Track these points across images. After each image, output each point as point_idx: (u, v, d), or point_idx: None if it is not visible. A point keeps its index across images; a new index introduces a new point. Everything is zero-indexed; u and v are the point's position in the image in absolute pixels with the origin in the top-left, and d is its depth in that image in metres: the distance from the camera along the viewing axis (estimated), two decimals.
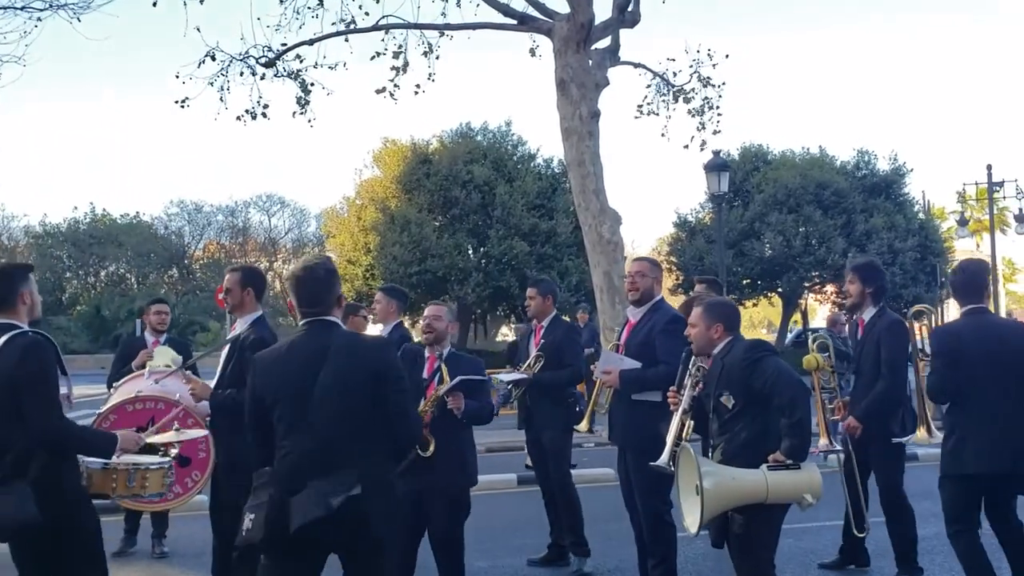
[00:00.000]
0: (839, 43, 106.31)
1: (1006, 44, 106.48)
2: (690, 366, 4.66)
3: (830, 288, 30.33)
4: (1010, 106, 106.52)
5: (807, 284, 30.23)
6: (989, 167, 31.43)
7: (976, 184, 34.02)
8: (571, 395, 6.53)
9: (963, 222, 35.58)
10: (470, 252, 24.73)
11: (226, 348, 5.26)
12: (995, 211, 32.64)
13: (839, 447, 5.66)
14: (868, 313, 5.98)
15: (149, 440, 4.12)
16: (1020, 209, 32.36)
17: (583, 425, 5.92)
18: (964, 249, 47.79)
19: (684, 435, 4.57)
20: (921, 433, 5.68)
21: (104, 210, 56.87)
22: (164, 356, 6.68)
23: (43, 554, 3.68)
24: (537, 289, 6.76)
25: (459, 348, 5.85)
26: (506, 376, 7.14)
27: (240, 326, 5.29)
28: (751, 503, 4.19)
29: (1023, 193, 32.07)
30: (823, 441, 5.62)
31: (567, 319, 6.73)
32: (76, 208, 56.40)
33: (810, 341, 6.13)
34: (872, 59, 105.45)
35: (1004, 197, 32.09)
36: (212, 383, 5.23)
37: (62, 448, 3.72)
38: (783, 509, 4.38)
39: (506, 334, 26.43)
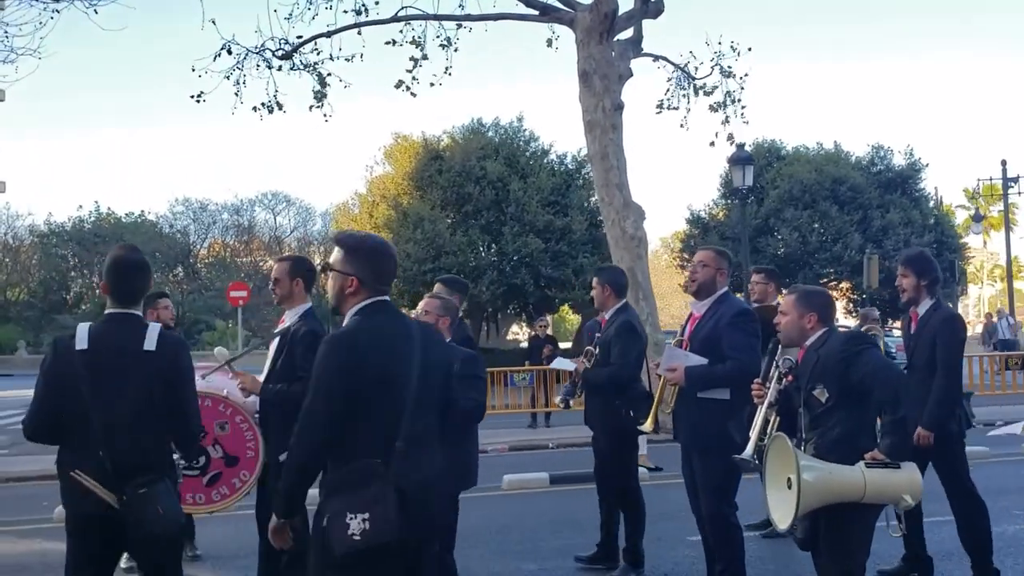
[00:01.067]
0: (853, 38, 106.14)
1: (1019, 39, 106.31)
2: (776, 357, 4.42)
3: (846, 284, 30.03)
4: (1020, 105, 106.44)
5: (823, 280, 29.94)
6: (1004, 162, 31.31)
7: (991, 180, 33.82)
8: (617, 399, 6.09)
9: (978, 218, 35.37)
10: (483, 250, 24.46)
11: (275, 342, 5.02)
12: (1001, 211, 32.46)
13: None
14: (923, 307, 5.69)
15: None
16: None
17: (648, 424, 5.61)
18: (974, 246, 47.61)
19: (770, 430, 4.35)
20: None
21: (109, 209, 56.78)
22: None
23: (160, 559, 3.58)
24: (598, 278, 6.39)
25: (470, 347, 5.50)
26: (557, 363, 6.91)
27: (290, 318, 5.05)
28: (846, 501, 3.95)
29: None
30: None
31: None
32: (81, 207, 56.13)
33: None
34: (887, 54, 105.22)
35: (1020, 193, 31.86)
36: (261, 377, 4.99)
37: (195, 447, 3.77)
38: (877, 510, 4.14)
39: (516, 333, 26.16)
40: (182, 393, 3.53)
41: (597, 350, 6.14)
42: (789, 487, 3.94)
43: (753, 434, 4.38)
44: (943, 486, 5.66)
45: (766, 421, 4.36)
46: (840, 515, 4.01)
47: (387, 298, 3.27)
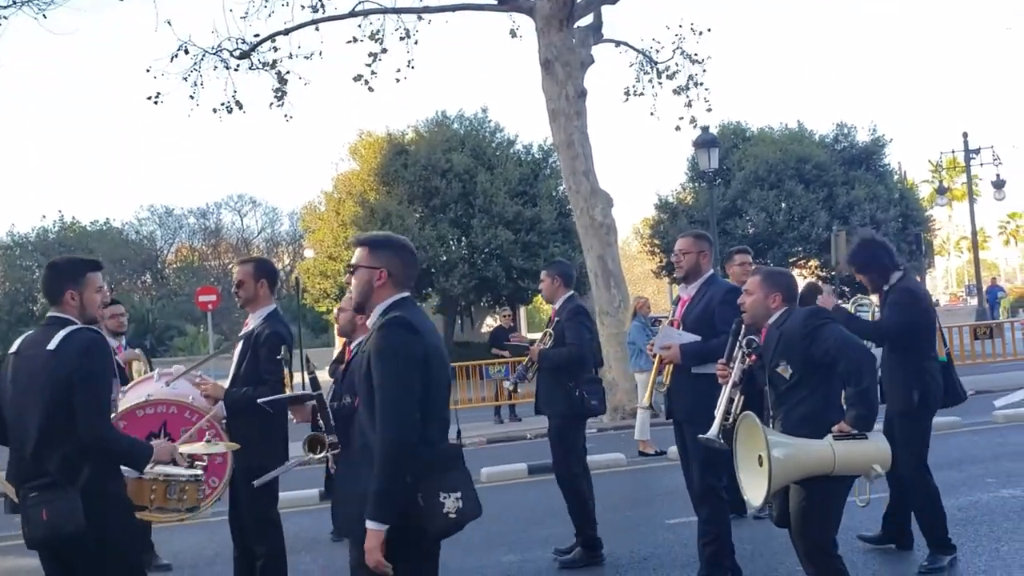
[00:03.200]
0: (813, 17, 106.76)
1: (980, 13, 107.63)
2: (740, 337, 4.46)
3: (814, 262, 30.24)
4: (981, 77, 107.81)
5: (792, 259, 30.14)
6: (965, 135, 31.58)
7: (953, 152, 34.18)
8: (571, 381, 6.17)
9: (942, 190, 35.76)
10: (453, 243, 24.34)
11: (239, 345, 4.94)
12: (964, 183, 32.79)
13: None
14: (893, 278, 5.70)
15: (181, 450, 3.81)
16: (997, 175, 32.56)
17: (645, 399, 5.71)
18: (939, 218, 48.17)
19: (734, 409, 4.40)
20: None
21: (73, 218, 56.05)
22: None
23: (78, 567, 3.44)
24: (548, 271, 6.54)
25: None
26: (511, 344, 6.95)
27: (254, 321, 4.99)
28: (817, 475, 3.98)
29: (999, 159, 32.26)
30: None
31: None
32: (44, 217, 55.30)
33: (851, 305, 6.03)
34: (848, 32, 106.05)
35: (982, 164, 32.23)
36: (225, 383, 4.91)
37: (107, 455, 3.47)
38: (847, 483, 4.17)
39: (490, 325, 26.12)
40: (78, 396, 3.36)
41: (551, 334, 6.26)
42: (760, 465, 3.95)
43: (718, 413, 4.42)
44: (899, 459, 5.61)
45: (730, 400, 4.41)
46: (809, 489, 4.03)
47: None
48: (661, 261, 31.08)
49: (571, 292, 6.41)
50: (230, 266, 58.94)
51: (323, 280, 25.74)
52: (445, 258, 23.62)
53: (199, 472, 3.86)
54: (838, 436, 3.95)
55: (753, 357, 4.38)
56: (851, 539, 5.89)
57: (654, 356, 5.45)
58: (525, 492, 9.11)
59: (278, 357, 4.80)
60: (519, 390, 6.64)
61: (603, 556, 6.09)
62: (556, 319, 6.33)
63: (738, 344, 4.47)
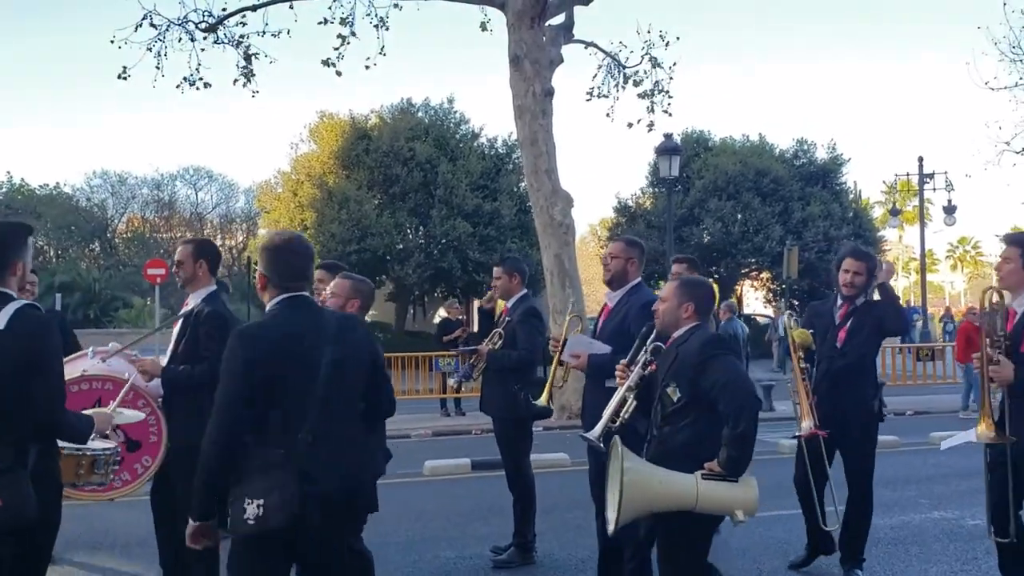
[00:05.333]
0: (781, 32, 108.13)
1: (940, 44, 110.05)
2: (647, 343, 4.31)
3: (766, 274, 30.63)
4: (937, 103, 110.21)
5: (744, 270, 30.49)
6: (920, 159, 32.15)
7: (908, 175, 34.78)
8: (517, 383, 6.13)
9: (894, 212, 36.38)
10: (411, 232, 24.19)
11: (179, 323, 4.91)
12: (915, 206, 33.43)
13: (822, 432, 5.43)
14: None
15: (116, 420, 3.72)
16: (949, 200, 33.22)
17: (543, 398, 5.65)
18: (890, 239, 49.08)
19: (623, 413, 4.24)
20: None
21: (23, 180, 54.81)
22: None
23: (19, 553, 3.25)
24: (503, 267, 6.43)
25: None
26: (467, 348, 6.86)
27: (193, 300, 4.95)
28: (676, 509, 3.86)
29: (951, 186, 32.91)
30: (806, 423, 5.41)
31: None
32: None
33: (788, 318, 6.02)
34: (814, 51, 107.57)
35: (935, 189, 32.86)
36: (163, 360, 4.84)
37: (58, 436, 3.35)
38: (715, 520, 4.11)
39: (443, 315, 26.06)
40: (37, 380, 3.17)
41: (501, 334, 6.18)
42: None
43: (605, 414, 4.26)
44: (847, 475, 5.71)
45: (622, 402, 4.25)
46: (671, 521, 3.93)
47: (301, 294, 3.28)
48: None
49: (525, 290, 6.36)
50: (182, 240, 58.03)
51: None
52: (402, 246, 23.47)
53: (113, 446, 3.80)
54: (707, 475, 3.82)
55: (654, 366, 4.23)
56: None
57: (560, 363, 5.40)
58: (467, 487, 9.09)
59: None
60: (462, 388, 6.58)
61: (535, 557, 6.09)
62: (508, 319, 6.27)
63: (644, 348, 4.32)
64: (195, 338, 4.78)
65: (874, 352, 5.79)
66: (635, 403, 4.24)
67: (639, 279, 5.37)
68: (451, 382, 7.78)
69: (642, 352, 4.30)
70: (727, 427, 3.78)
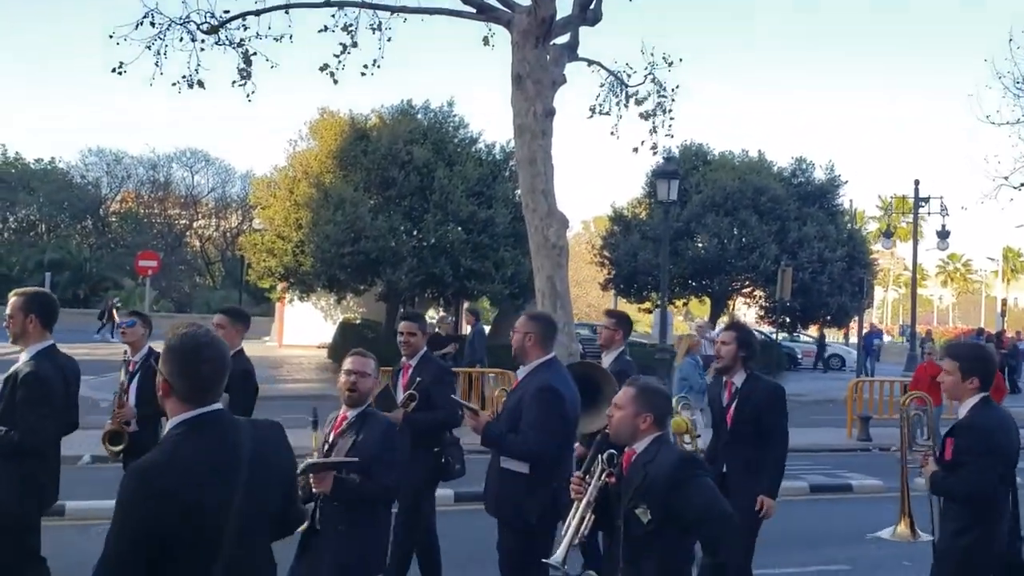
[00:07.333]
0: (784, 48, 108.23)
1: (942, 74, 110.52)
2: (602, 453, 4.01)
3: (759, 293, 30.60)
4: (936, 131, 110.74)
5: (736, 287, 30.47)
6: (917, 182, 32.17)
7: (904, 197, 34.82)
8: (437, 446, 6.11)
9: (888, 234, 36.42)
10: (404, 236, 24.06)
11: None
12: (909, 223, 33.50)
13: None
14: (739, 378, 5.79)
15: None
16: (943, 226, 33.26)
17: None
18: (882, 250, 49.24)
19: (582, 530, 3.97)
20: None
21: (17, 153, 54.44)
22: None
23: None
24: (418, 324, 6.29)
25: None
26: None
27: (23, 358, 4.80)
28: None
29: (946, 211, 32.95)
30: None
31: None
32: None
33: (675, 402, 5.67)
34: (814, 68, 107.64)
35: (929, 213, 32.88)
36: None
37: None
38: None
39: (432, 317, 25.96)
40: None
41: (415, 395, 6.05)
42: None
43: (566, 536, 3.98)
44: None
45: (581, 521, 3.96)
46: None
47: (214, 408, 2.83)
48: (610, 273, 31.20)
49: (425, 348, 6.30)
50: (176, 221, 57.81)
51: (270, 258, 25.30)
52: (394, 248, 23.38)
53: None
54: None
55: (612, 478, 3.97)
56: None
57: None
58: (451, 524, 8.95)
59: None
60: None
61: None
62: (418, 379, 6.10)
63: (599, 459, 4.01)
64: (12, 402, 4.67)
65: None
66: (593, 518, 3.98)
67: (546, 357, 5.16)
68: None
69: (597, 462, 4.01)
70: (706, 554, 3.78)
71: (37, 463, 4.76)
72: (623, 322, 7.15)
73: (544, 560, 4.12)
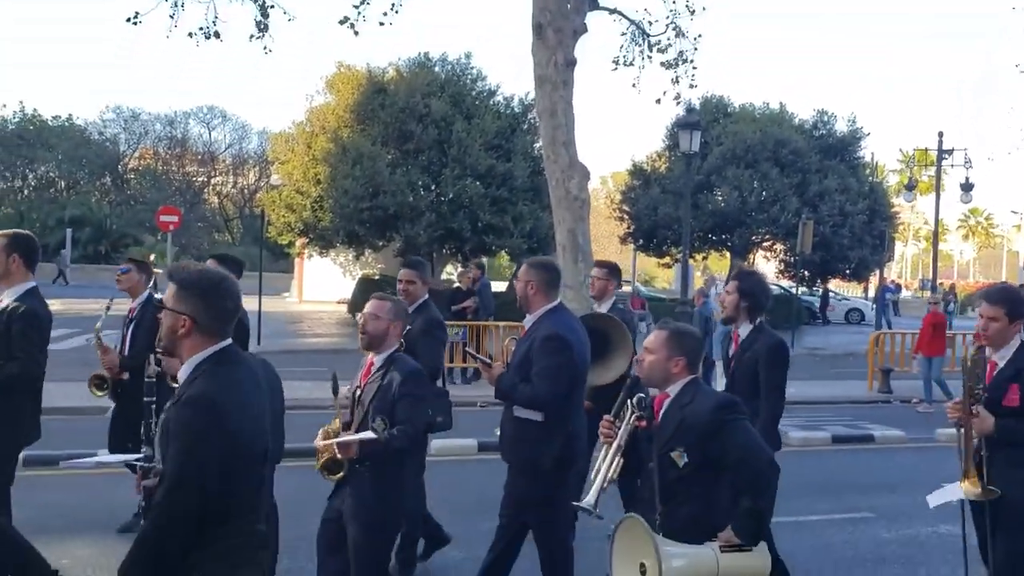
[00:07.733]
0: (805, 3, 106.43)
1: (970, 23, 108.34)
2: (631, 396, 3.99)
3: (780, 246, 30.43)
4: (956, 80, 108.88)
5: (756, 240, 30.30)
6: (940, 133, 31.71)
7: (927, 150, 34.36)
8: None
9: (910, 186, 35.97)
10: (422, 190, 24.00)
11: None
12: (931, 176, 33.14)
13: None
14: (744, 329, 5.50)
15: None
16: (967, 178, 32.83)
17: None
18: (903, 204, 48.78)
19: (612, 473, 3.96)
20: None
21: (35, 110, 54.55)
22: None
23: None
24: (417, 272, 6.14)
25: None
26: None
27: (8, 297, 4.83)
28: None
29: (970, 163, 32.49)
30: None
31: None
32: (4, 106, 53.48)
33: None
34: (837, 17, 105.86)
35: (952, 165, 32.44)
36: None
37: None
38: None
39: (451, 273, 25.99)
40: None
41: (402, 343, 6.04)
42: (643, 572, 3.66)
43: (597, 480, 3.97)
44: None
45: (611, 464, 3.95)
46: None
47: (229, 342, 2.92)
48: (629, 227, 31.08)
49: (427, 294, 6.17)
50: (194, 178, 57.89)
51: (288, 213, 25.32)
52: (413, 203, 23.33)
53: None
54: (724, 547, 3.67)
55: (643, 422, 3.93)
56: None
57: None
58: (474, 472, 9.09)
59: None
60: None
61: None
62: (408, 327, 6.05)
63: (629, 403, 3.99)
64: (8, 335, 4.69)
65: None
66: (622, 461, 3.96)
67: (550, 304, 5.10)
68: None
69: (627, 406, 4.01)
70: (745, 498, 3.67)
71: (25, 399, 4.86)
72: (615, 272, 7.10)
73: (575, 504, 4.12)
